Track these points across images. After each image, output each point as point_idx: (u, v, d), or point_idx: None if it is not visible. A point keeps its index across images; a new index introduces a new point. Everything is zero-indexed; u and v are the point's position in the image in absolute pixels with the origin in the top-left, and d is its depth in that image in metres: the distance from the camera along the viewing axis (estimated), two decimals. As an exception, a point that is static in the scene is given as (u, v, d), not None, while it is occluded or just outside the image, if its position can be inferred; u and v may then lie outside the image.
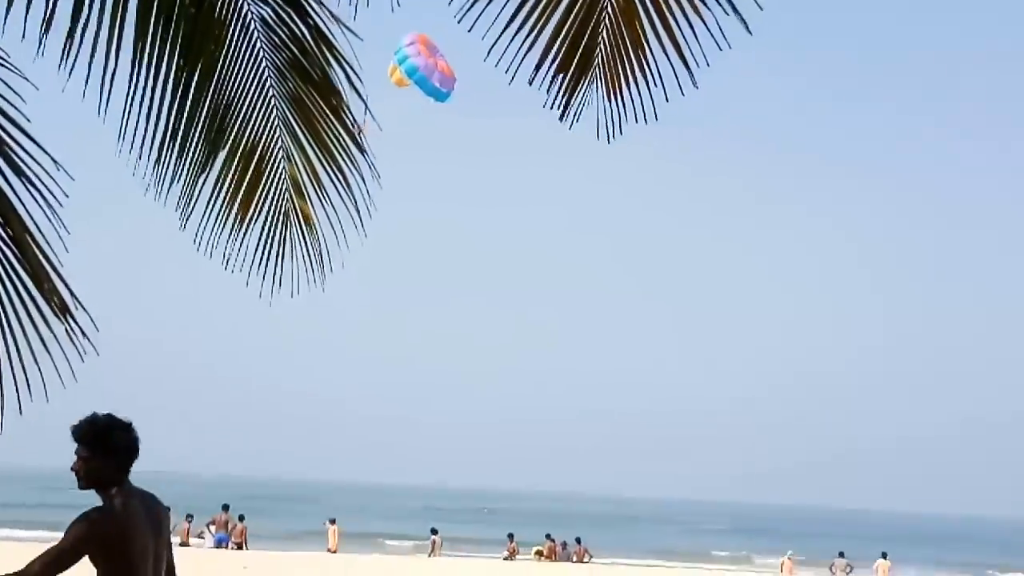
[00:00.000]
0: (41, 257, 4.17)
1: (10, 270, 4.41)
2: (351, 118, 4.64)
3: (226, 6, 4.49)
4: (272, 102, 4.66)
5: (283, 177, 4.76)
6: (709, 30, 4.11)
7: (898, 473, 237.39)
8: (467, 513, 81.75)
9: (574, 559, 34.38)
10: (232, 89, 4.60)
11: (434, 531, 35.44)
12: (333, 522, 33.83)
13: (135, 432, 4.49)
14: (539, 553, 34.78)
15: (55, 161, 4.15)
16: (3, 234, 4.41)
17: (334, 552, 32.35)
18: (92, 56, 4.28)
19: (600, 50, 4.30)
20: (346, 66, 4.61)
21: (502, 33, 4.17)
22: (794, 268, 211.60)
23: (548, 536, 35.79)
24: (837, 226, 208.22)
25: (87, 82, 4.28)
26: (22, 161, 4.13)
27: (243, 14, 4.52)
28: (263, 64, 4.61)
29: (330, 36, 4.61)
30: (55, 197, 4.15)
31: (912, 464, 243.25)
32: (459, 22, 4.07)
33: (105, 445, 4.38)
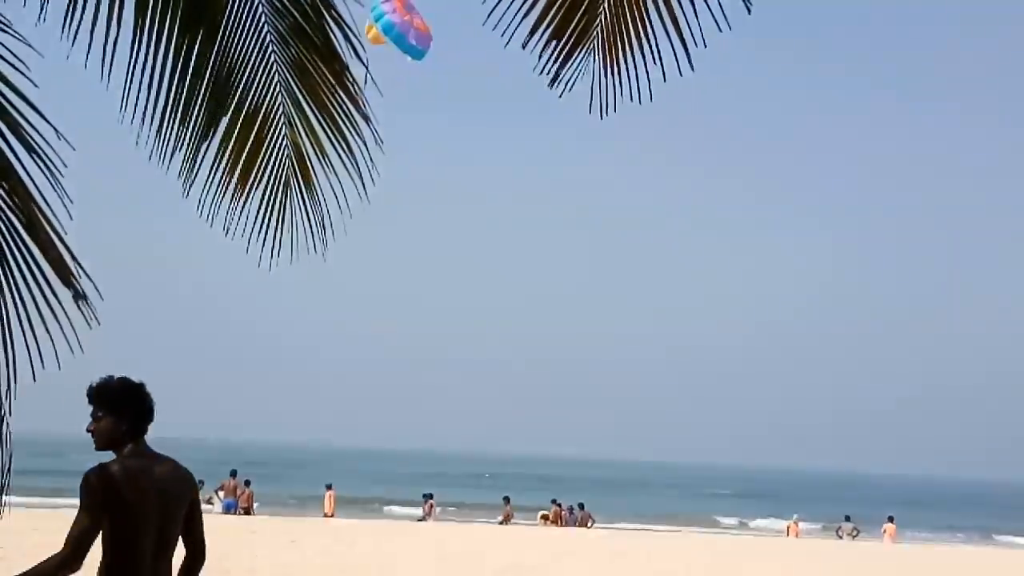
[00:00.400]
0: (46, 225, 4.20)
1: (16, 237, 4.45)
2: (353, 83, 4.62)
3: (227, -30, 4.46)
4: (274, 68, 4.64)
5: (285, 144, 4.75)
6: (710, 9, 4.06)
7: (896, 436, 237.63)
8: (469, 478, 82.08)
9: (576, 523, 34.45)
10: (234, 55, 4.58)
11: (428, 496, 35.22)
12: (330, 487, 34.06)
13: (147, 393, 4.52)
14: (545, 517, 34.87)
15: (56, 130, 4.13)
16: (9, 201, 4.44)
17: (331, 517, 32.50)
18: (94, 23, 4.26)
19: (600, 21, 4.26)
20: (348, 31, 4.59)
21: None
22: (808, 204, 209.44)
23: (554, 501, 35.85)
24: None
25: (89, 49, 4.26)
26: (24, 131, 4.13)
27: None
28: (265, 30, 4.58)
29: (331, 0, 4.57)
30: (55, 166, 4.14)
31: (909, 427, 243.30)
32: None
33: (116, 406, 4.43)
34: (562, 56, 4.29)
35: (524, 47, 4.21)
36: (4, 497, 4.33)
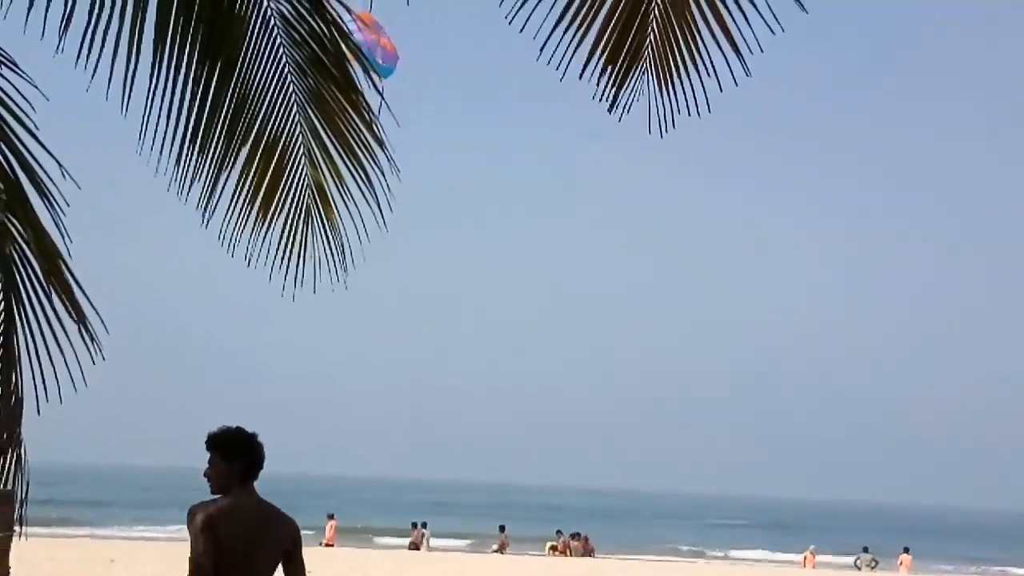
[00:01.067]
0: (61, 263, 4.22)
1: (29, 269, 4.43)
2: (369, 111, 4.64)
3: (246, 2, 4.48)
4: (292, 98, 4.65)
5: (304, 173, 4.76)
6: (761, 15, 4.08)
7: (911, 464, 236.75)
8: (467, 507, 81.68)
9: (582, 553, 33.91)
10: (252, 86, 4.59)
11: (415, 525, 34.81)
12: (332, 516, 34.06)
13: (259, 444, 4.83)
14: (553, 548, 34.50)
15: (61, 166, 4.22)
16: (23, 233, 4.41)
17: (331, 546, 32.38)
18: (115, 55, 4.27)
19: (651, 41, 4.31)
20: (364, 60, 4.63)
21: (553, 30, 4.21)
22: (806, 247, 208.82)
23: (559, 532, 35.48)
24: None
25: (110, 81, 4.27)
26: (33, 170, 4.25)
27: (263, 10, 4.52)
28: (283, 61, 4.60)
29: (347, 30, 4.63)
30: (58, 204, 4.28)
31: (925, 455, 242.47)
32: (510, 23, 4.08)
33: (229, 454, 4.77)
34: (618, 80, 4.34)
35: (580, 77, 4.29)
36: (21, 527, 4.42)
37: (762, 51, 4.09)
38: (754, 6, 4.09)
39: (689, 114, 4.26)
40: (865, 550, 36.83)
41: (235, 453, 4.77)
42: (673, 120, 4.28)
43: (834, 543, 48.67)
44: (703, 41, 4.24)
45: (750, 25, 4.12)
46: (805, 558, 36.49)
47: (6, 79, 4.34)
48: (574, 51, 4.26)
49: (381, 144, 4.65)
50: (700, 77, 4.28)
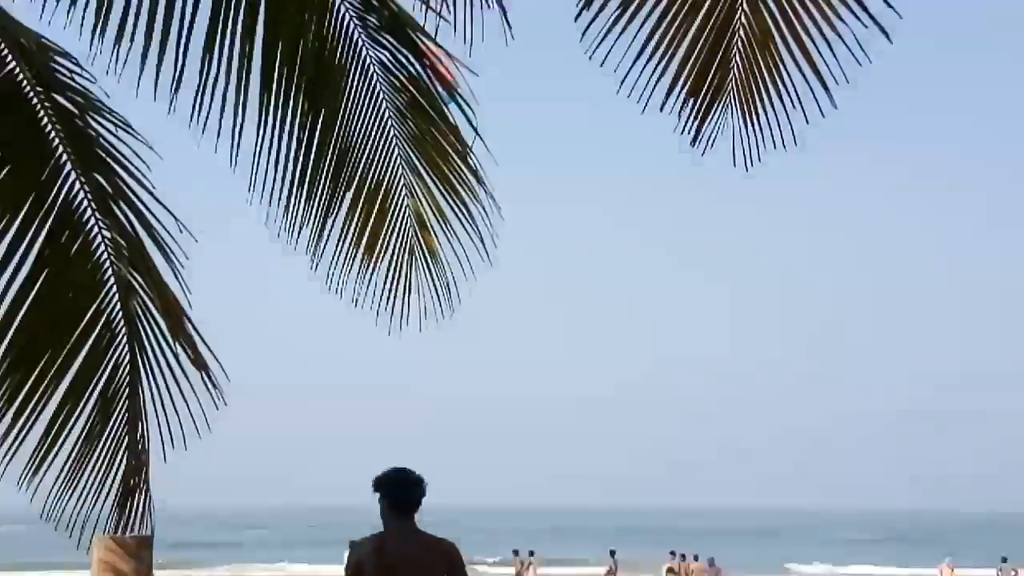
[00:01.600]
0: (182, 314, 4.38)
1: (152, 322, 4.62)
2: (468, 151, 4.72)
3: (346, 53, 4.62)
4: (393, 142, 4.77)
5: (407, 214, 4.87)
6: (847, 46, 4.06)
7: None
8: (592, 533, 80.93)
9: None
10: (355, 133, 4.73)
11: (515, 552, 34.10)
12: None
13: (412, 482, 5.36)
14: (671, 571, 33.87)
15: (178, 221, 4.44)
16: (146, 289, 4.60)
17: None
18: (222, 111, 4.43)
19: (734, 74, 4.30)
20: (462, 102, 4.67)
21: (633, 64, 4.23)
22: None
23: (672, 552, 34.73)
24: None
25: (219, 135, 4.45)
26: (154, 228, 4.46)
27: (362, 59, 4.64)
28: (383, 106, 4.73)
29: (446, 74, 4.68)
30: (176, 257, 4.50)
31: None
32: (590, 58, 4.11)
33: (383, 492, 5.36)
34: (701, 113, 4.34)
35: (661, 109, 4.30)
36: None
37: (848, 82, 4.07)
38: (840, 38, 4.06)
39: (775, 147, 4.24)
40: (1004, 560, 35.54)
41: (387, 491, 5.33)
42: (759, 154, 4.26)
43: (963, 555, 47.15)
44: (788, 73, 4.22)
45: (836, 57, 4.10)
46: (941, 571, 35.52)
47: (123, 142, 4.55)
48: (655, 84, 4.27)
49: (480, 181, 4.72)
50: (786, 110, 4.25)
